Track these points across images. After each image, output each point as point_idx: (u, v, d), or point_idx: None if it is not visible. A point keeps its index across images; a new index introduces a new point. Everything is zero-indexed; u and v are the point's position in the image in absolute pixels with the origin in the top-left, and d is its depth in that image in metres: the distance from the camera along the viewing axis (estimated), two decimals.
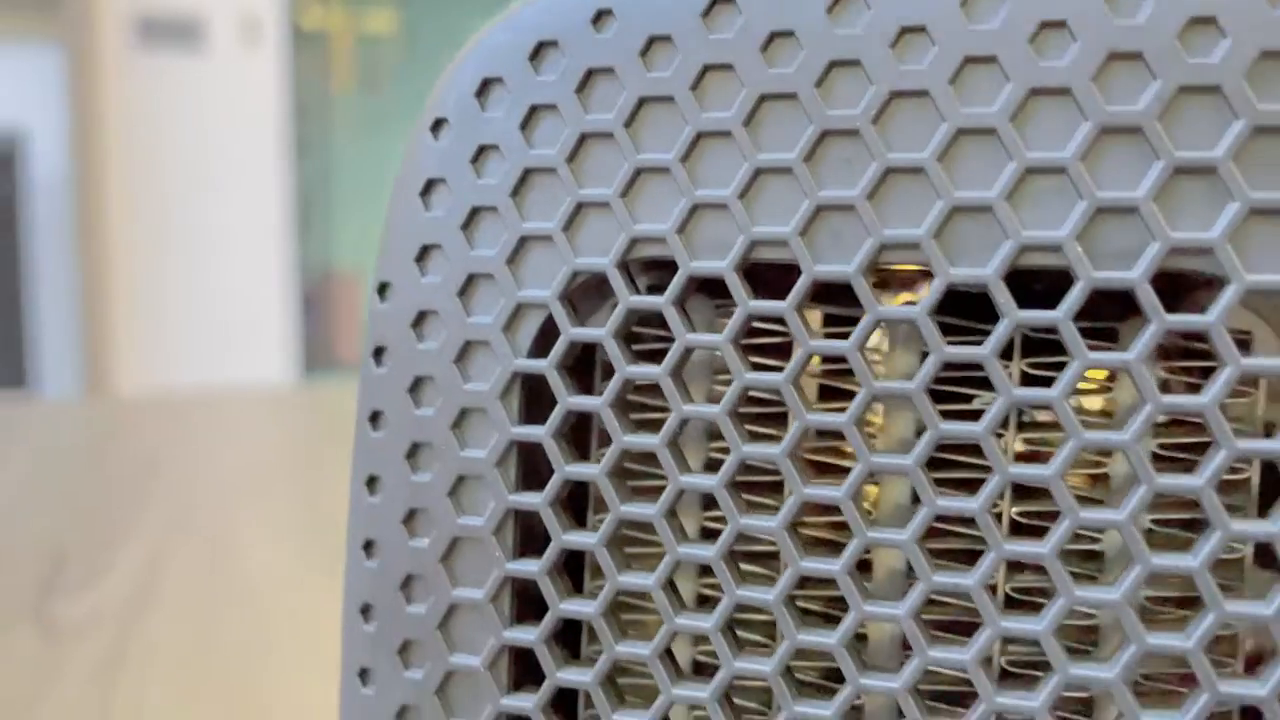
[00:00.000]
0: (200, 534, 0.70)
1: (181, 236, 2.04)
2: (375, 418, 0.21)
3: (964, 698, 0.18)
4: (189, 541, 0.70)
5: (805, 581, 0.19)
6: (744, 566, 0.20)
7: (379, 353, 0.21)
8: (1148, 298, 0.17)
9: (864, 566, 0.20)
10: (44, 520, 0.76)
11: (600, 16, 0.19)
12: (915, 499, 0.19)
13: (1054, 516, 0.17)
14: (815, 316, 0.20)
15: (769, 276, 0.19)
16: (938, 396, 0.18)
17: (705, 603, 0.21)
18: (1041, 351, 0.19)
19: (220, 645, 0.53)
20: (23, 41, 1.97)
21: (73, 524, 0.75)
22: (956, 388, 0.19)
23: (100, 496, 0.83)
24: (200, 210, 2.05)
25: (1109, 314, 0.19)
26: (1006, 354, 0.19)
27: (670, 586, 0.19)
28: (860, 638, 0.20)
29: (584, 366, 0.20)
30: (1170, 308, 0.17)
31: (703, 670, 0.21)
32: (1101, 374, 0.20)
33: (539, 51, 0.19)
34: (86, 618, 0.62)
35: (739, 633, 0.20)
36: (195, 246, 2.05)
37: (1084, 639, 0.19)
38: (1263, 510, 0.18)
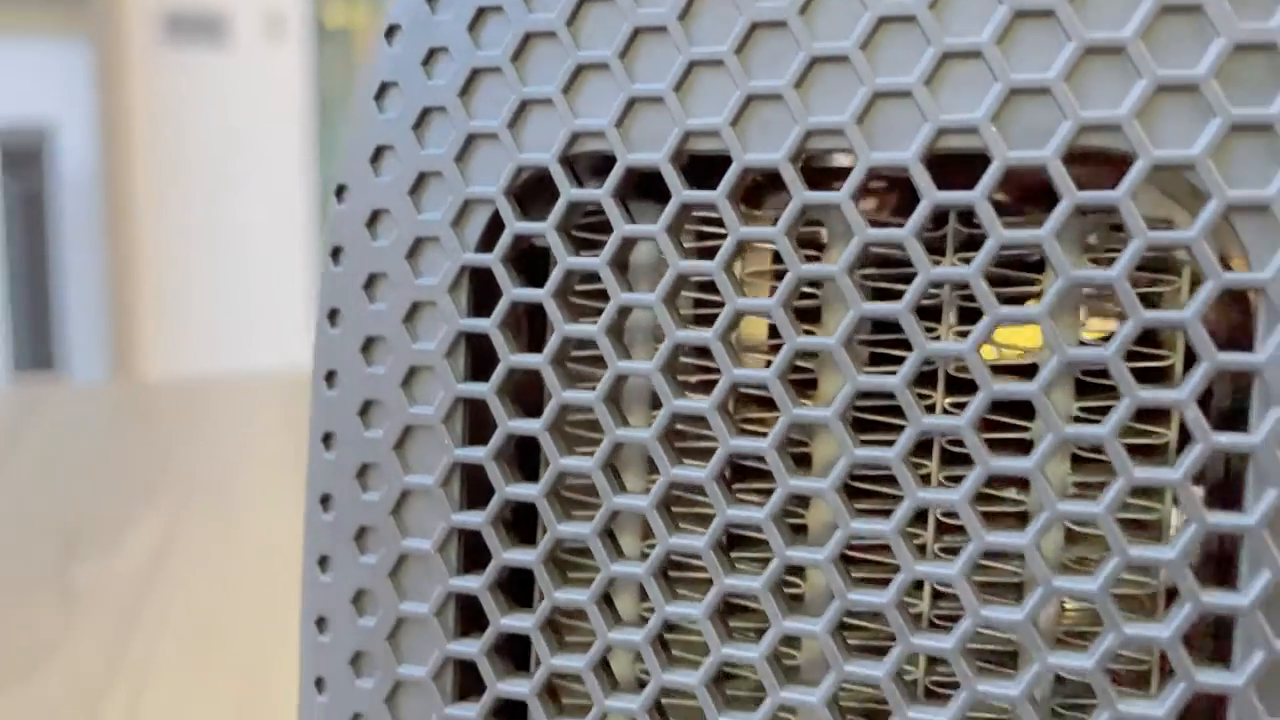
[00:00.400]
0: (215, 510, 0.71)
1: (206, 229, 2.06)
2: (333, 315, 0.21)
3: (884, 715, 0.19)
4: (204, 516, 0.71)
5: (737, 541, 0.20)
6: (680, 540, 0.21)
7: (336, 252, 0.21)
8: (1059, 174, 0.17)
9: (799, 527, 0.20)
10: (65, 493, 0.78)
11: None
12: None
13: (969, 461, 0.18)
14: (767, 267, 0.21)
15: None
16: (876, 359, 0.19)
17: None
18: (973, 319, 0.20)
19: (230, 611, 0.54)
20: (51, 37, 1.99)
21: (92, 497, 0.77)
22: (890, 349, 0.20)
23: (120, 473, 0.85)
24: (225, 203, 2.07)
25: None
26: (936, 316, 0.20)
27: (609, 536, 0.20)
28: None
29: (538, 269, 0.21)
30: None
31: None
32: (1025, 340, 0.20)
33: None
34: (102, 584, 0.63)
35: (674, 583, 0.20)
36: (219, 238, 2.07)
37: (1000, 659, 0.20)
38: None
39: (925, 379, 0.20)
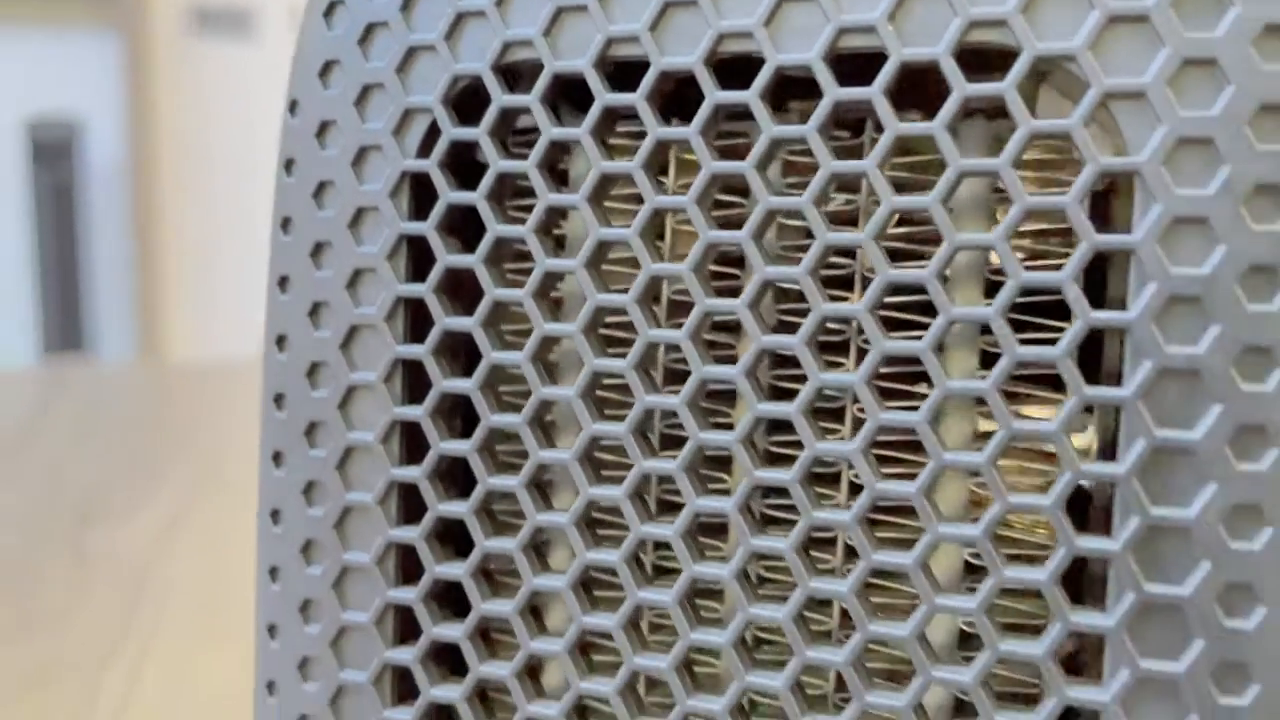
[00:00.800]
0: (228, 485, 0.73)
1: (232, 219, 2.09)
2: (285, 223, 0.23)
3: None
4: (217, 491, 0.73)
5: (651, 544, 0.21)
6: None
7: (289, 165, 0.23)
8: (950, 68, 0.18)
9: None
10: (85, 466, 0.80)
11: None
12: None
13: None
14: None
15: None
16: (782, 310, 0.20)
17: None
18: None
19: (236, 581, 0.55)
20: (80, 31, 2.03)
21: (111, 471, 0.78)
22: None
23: (139, 449, 0.87)
24: (250, 193, 2.10)
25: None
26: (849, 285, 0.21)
27: (538, 424, 0.21)
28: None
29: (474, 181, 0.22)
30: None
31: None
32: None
33: None
34: (114, 551, 0.65)
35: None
36: (245, 228, 2.10)
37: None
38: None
39: (835, 349, 0.21)
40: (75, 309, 2.00)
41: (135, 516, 0.69)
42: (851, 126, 0.22)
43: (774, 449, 0.22)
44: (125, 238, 2.05)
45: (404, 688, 0.22)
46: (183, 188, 2.05)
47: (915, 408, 0.19)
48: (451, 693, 0.22)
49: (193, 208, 2.06)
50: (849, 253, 0.21)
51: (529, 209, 0.21)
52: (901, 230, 0.21)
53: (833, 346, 0.21)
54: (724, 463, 0.22)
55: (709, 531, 0.22)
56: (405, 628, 0.22)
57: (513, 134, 0.22)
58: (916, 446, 0.19)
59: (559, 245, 0.23)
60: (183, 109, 2.07)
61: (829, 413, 0.21)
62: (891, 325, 0.20)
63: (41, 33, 2.04)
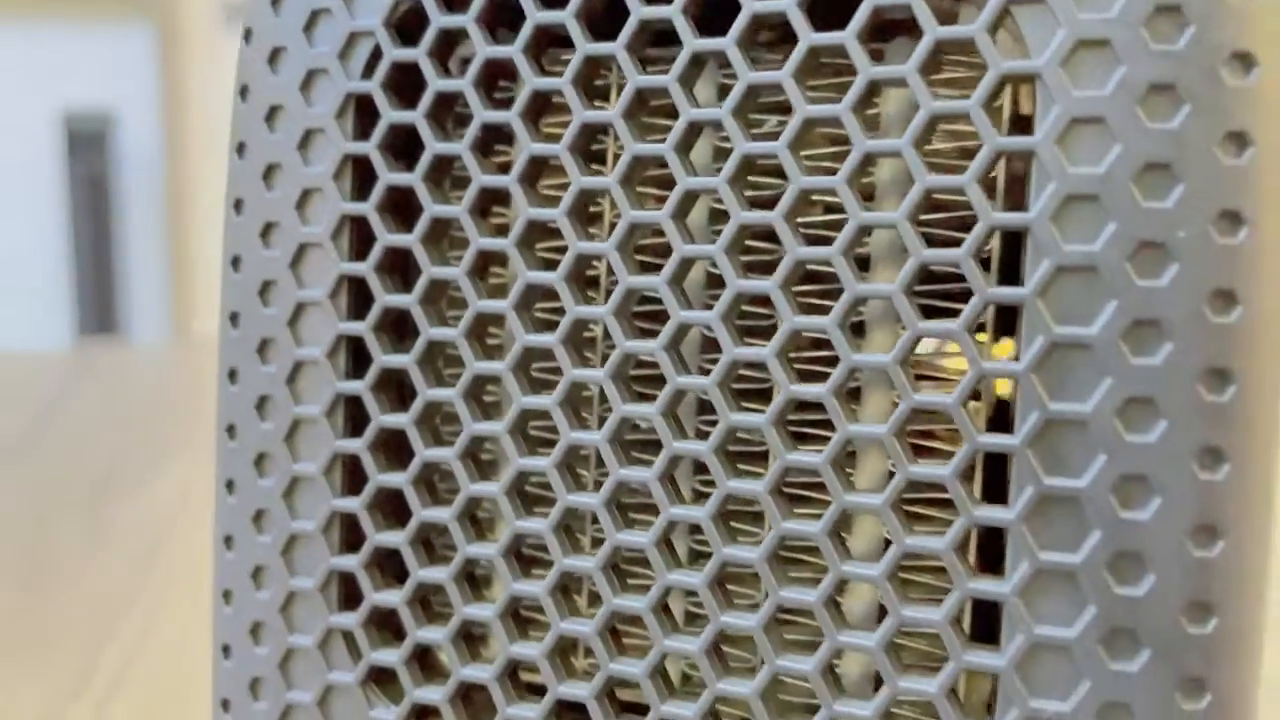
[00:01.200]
0: None
1: None
2: (241, 148, 0.24)
3: None
4: None
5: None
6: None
7: (244, 91, 0.23)
8: None
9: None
10: (108, 442, 0.82)
11: None
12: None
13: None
14: None
15: None
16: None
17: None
18: None
19: None
20: (115, 22, 2.06)
21: (133, 446, 0.80)
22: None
23: (162, 426, 0.88)
24: None
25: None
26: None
27: (475, 399, 0.22)
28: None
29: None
30: None
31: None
32: None
33: None
34: (129, 522, 0.67)
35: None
36: None
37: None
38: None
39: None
40: (109, 295, 2.04)
41: (150, 491, 0.70)
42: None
43: (702, 426, 0.22)
44: (158, 226, 2.08)
45: (350, 650, 0.23)
46: (215, 177, 2.08)
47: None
48: (391, 656, 0.23)
49: (224, 195, 2.08)
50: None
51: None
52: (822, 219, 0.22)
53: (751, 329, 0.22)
54: (655, 446, 0.22)
55: (640, 509, 0.22)
56: (349, 593, 0.23)
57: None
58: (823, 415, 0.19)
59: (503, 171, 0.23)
60: (215, 100, 2.09)
61: (751, 329, 0.22)
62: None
63: (76, 26, 2.07)
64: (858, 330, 0.20)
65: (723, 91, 0.22)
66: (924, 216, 0.19)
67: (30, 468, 0.79)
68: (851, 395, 0.21)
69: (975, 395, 0.19)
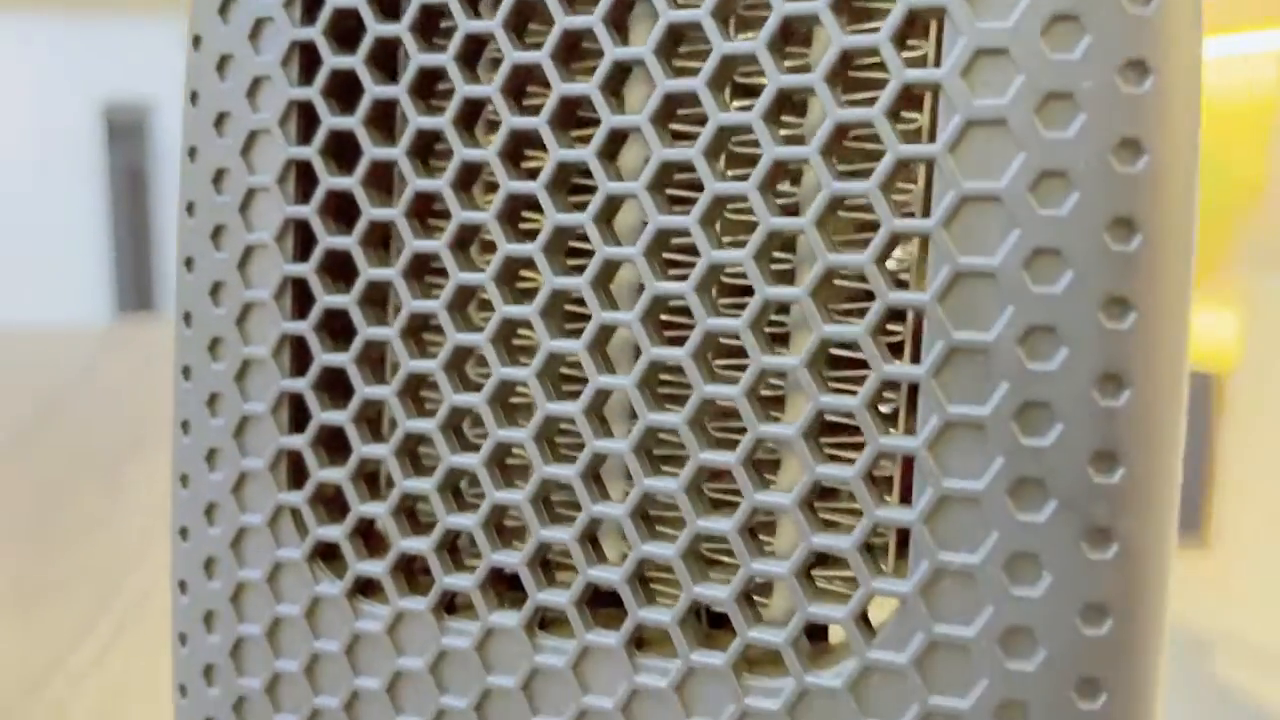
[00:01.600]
0: None
1: None
2: (194, 97, 0.24)
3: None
4: None
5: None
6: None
7: (197, 40, 0.24)
8: None
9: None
10: (135, 409, 0.84)
11: None
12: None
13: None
14: None
15: None
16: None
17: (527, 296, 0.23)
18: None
19: None
20: (152, 15, 2.09)
21: (158, 414, 0.82)
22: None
23: None
24: None
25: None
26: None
27: (411, 336, 0.22)
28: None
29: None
30: None
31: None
32: None
33: None
34: (147, 482, 0.69)
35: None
36: None
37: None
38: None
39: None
40: (147, 275, 2.09)
41: (168, 453, 0.72)
42: None
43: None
44: None
45: (297, 528, 0.24)
46: None
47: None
48: (335, 532, 0.23)
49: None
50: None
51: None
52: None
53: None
54: (578, 379, 0.22)
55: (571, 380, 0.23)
56: (297, 473, 0.24)
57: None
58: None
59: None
60: None
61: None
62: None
63: (115, 21, 2.10)
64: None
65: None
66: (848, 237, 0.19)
67: (61, 429, 0.81)
68: (780, 340, 0.21)
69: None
